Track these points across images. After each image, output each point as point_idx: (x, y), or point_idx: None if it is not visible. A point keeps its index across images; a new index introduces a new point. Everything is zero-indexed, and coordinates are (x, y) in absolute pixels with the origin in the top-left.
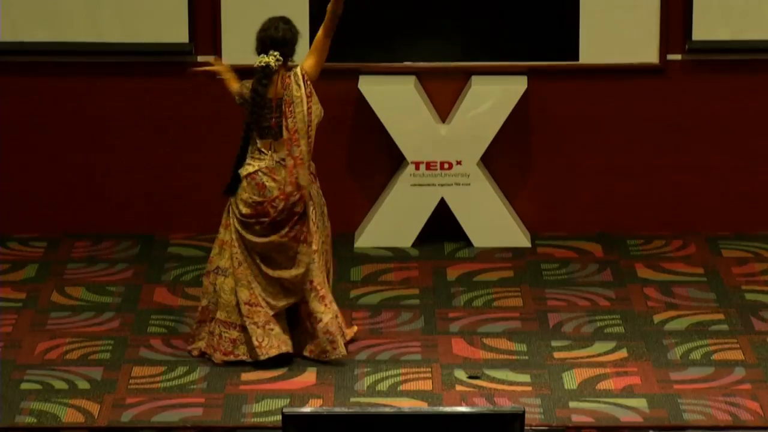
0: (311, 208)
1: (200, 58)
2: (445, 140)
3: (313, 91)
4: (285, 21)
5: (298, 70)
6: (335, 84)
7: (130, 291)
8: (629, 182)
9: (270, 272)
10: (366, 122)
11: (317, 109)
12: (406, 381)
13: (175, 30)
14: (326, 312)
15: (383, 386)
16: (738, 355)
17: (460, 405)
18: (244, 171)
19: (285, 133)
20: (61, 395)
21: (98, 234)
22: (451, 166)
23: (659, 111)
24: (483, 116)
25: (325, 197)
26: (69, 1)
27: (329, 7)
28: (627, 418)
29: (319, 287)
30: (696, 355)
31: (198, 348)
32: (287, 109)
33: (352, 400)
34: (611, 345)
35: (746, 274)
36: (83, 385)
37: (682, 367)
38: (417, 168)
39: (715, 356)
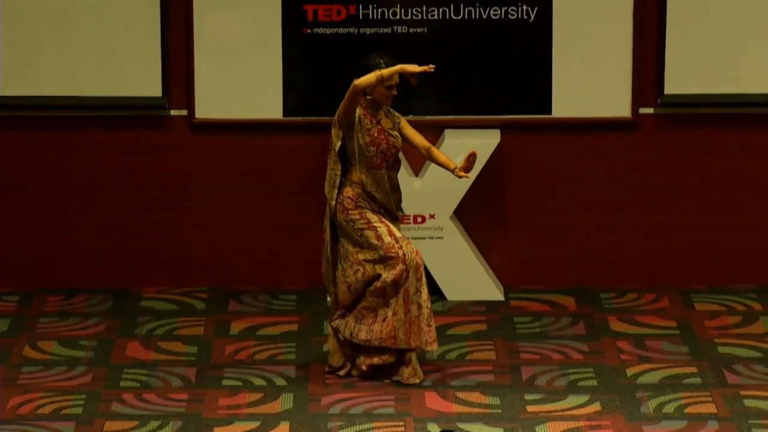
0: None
1: (173, 112)
2: (419, 194)
3: (336, 122)
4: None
5: None
6: (308, 137)
7: (103, 345)
8: (602, 235)
9: None
10: None
11: (334, 135)
12: None
13: (149, 84)
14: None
15: None
16: (711, 408)
17: None
18: None
19: None
20: None
21: (71, 288)
22: (424, 219)
23: (632, 165)
24: None
25: (297, 251)
26: (46, 56)
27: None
28: None
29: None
30: (669, 408)
31: None
32: None
33: None
34: (584, 398)
35: (719, 328)
36: None
37: (656, 420)
38: None
39: (688, 410)
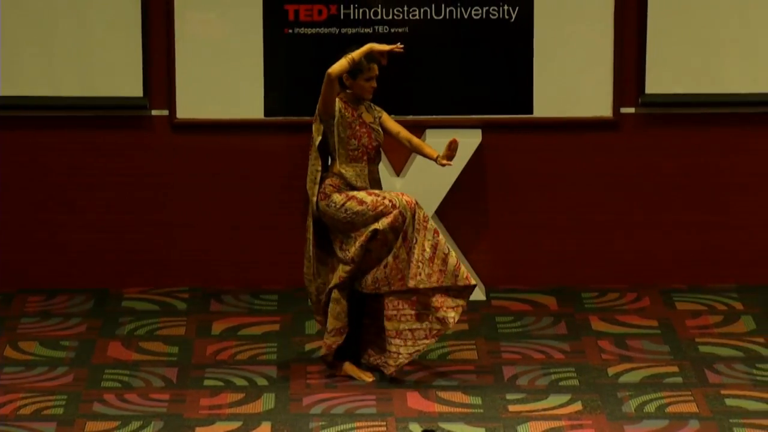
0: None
1: (154, 113)
2: None
3: (316, 116)
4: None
5: None
6: (290, 137)
7: (84, 345)
8: (583, 235)
9: None
10: None
11: (314, 130)
12: None
13: (130, 84)
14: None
15: None
16: (692, 407)
17: None
18: None
19: None
20: None
21: (52, 289)
22: None
23: (613, 164)
24: (438, 169)
25: (279, 251)
26: (25, 55)
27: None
28: None
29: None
30: (650, 407)
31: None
32: None
33: None
34: (566, 398)
35: (700, 327)
36: None
37: (637, 420)
38: None
39: (669, 409)
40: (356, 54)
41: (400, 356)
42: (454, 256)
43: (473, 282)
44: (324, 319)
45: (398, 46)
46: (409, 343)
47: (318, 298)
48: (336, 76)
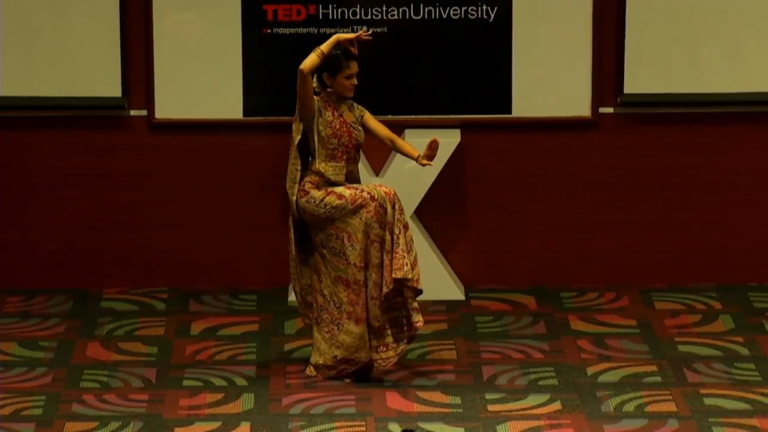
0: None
1: (133, 113)
2: None
3: (296, 115)
4: None
5: None
6: (268, 137)
7: (63, 346)
8: (562, 235)
9: None
10: None
11: (294, 129)
12: None
13: (109, 84)
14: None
15: None
16: (671, 407)
17: None
18: None
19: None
20: None
21: (31, 289)
22: None
23: (591, 164)
24: (416, 169)
25: (258, 251)
26: (4, 56)
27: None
28: None
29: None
30: (629, 407)
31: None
32: None
33: None
34: (545, 397)
35: (679, 326)
36: None
37: (616, 419)
38: None
39: (648, 408)
40: (324, 46)
41: (400, 343)
42: (412, 256)
43: (421, 287)
44: (309, 321)
45: (364, 32)
46: (405, 328)
47: (304, 299)
48: (308, 72)
